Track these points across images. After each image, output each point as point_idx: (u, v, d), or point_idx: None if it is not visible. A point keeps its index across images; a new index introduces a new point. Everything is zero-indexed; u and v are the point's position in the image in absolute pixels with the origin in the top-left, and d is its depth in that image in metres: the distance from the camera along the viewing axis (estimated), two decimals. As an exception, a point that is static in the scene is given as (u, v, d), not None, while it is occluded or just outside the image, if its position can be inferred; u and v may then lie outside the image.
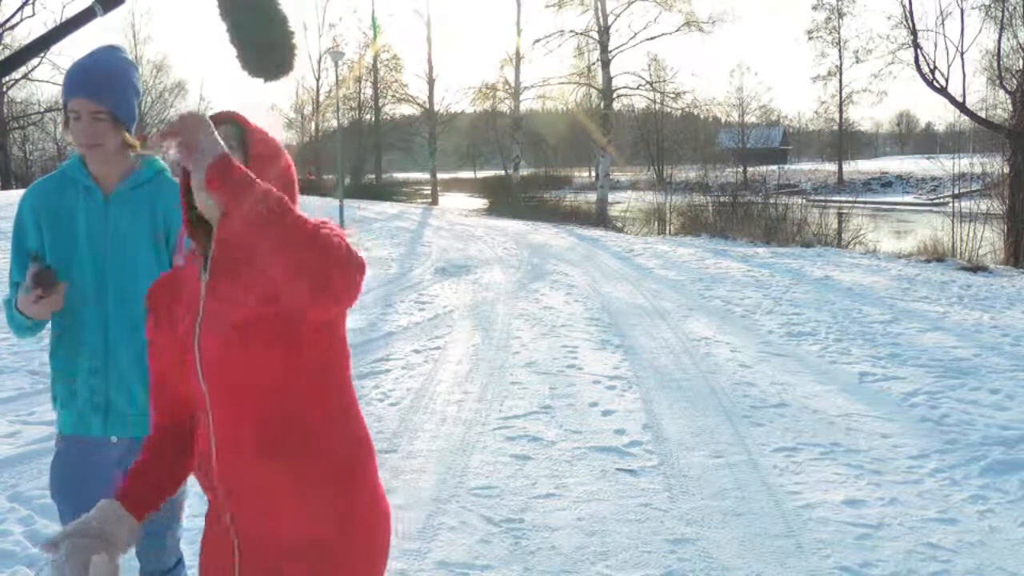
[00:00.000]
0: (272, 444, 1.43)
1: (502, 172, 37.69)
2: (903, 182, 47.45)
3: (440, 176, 40.90)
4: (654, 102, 31.42)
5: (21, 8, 34.59)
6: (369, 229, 19.82)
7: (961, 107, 18.73)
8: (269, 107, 45.70)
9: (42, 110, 39.47)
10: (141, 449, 1.57)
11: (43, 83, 39.58)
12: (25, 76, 39.02)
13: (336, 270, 1.31)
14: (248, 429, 1.43)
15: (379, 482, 1.58)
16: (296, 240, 1.28)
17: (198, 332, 1.45)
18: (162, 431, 1.58)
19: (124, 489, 1.47)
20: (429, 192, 39.44)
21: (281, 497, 1.44)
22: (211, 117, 1.44)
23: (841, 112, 49.21)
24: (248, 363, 1.41)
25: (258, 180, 1.29)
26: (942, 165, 21.82)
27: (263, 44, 1.46)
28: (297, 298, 1.35)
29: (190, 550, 3.18)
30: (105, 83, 2.00)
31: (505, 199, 30.42)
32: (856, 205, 25.15)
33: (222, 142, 1.28)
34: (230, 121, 1.46)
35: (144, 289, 1.80)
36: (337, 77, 29.77)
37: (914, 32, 19.63)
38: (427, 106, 38.76)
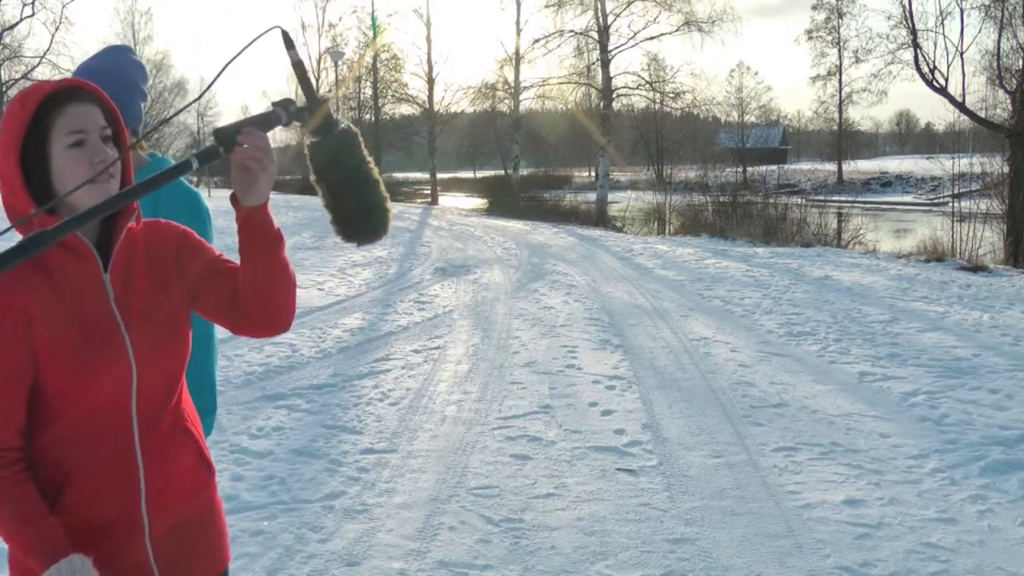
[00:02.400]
0: (180, 426, 1.53)
1: (502, 172, 37.69)
2: (903, 182, 47.48)
3: (440, 176, 40.90)
4: (654, 102, 31.38)
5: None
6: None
7: (961, 107, 18.73)
8: (267, 107, 45.64)
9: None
10: (23, 497, 1.35)
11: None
12: (25, 76, 39.04)
13: (291, 312, 1.54)
14: (166, 414, 1.49)
15: None
16: (286, 276, 1.49)
17: (125, 328, 1.42)
18: (22, 455, 1.38)
19: (64, 541, 1.35)
20: (429, 192, 39.44)
21: (184, 474, 1.52)
22: (63, 87, 1.38)
23: (841, 112, 49.26)
24: (172, 350, 1.50)
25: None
26: (942, 165, 21.82)
27: (363, 211, 1.47)
28: (256, 322, 1.52)
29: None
30: (105, 87, 2.00)
31: (505, 199, 30.44)
32: (856, 205, 25.13)
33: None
34: (95, 100, 1.41)
35: None
36: (337, 77, 29.77)
37: (914, 32, 19.64)
38: (427, 106, 38.77)
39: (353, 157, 1.44)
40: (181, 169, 1.28)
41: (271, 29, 1.33)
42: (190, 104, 1.51)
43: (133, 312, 1.45)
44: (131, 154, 2.06)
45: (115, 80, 2.01)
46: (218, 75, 1.39)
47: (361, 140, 1.45)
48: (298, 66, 1.38)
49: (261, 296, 1.48)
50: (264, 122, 1.36)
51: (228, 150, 1.33)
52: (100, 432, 1.41)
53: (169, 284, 1.50)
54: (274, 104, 1.38)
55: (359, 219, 1.46)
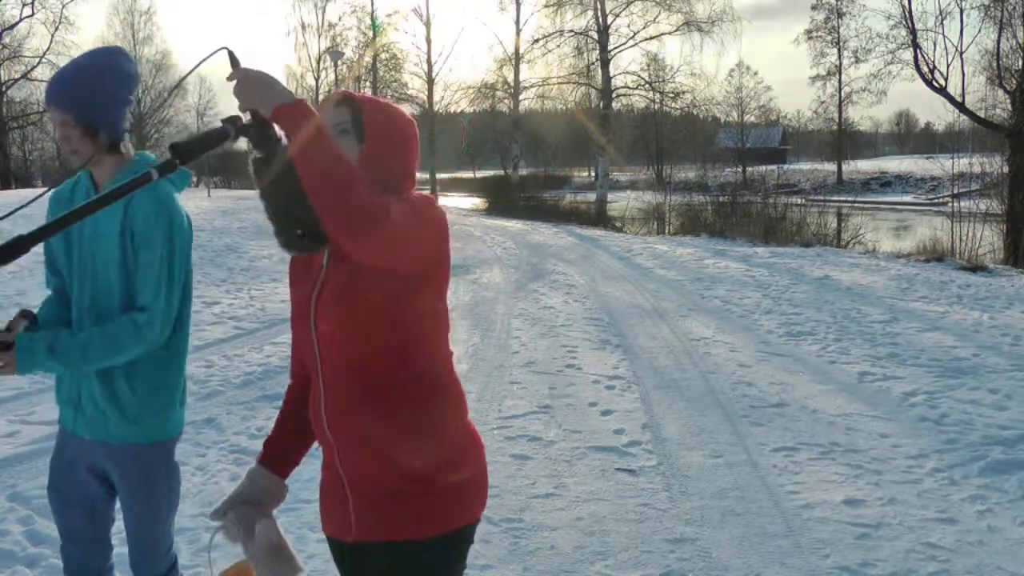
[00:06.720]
0: (370, 396, 1.57)
1: (501, 172, 37.67)
2: (902, 182, 47.47)
3: (439, 176, 40.88)
4: (653, 102, 31.38)
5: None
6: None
7: (960, 107, 18.74)
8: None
9: (41, 110, 39.40)
10: (283, 401, 1.80)
11: (42, 83, 39.52)
12: (25, 76, 39.03)
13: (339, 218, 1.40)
14: (352, 384, 1.58)
15: (468, 424, 1.82)
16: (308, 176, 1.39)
17: (315, 296, 1.60)
18: (299, 382, 1.78)
19: (265, 453, 1.73)
20: (428, 192, 39.37)
21: (377, 443, 1.59)
22: (327, 99, 1.63)
23: (840, 112, 49.25)
24: (356, 327, 1.55)
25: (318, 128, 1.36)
26: (941, 165, 21.84)
27: (306, 223, 1.55)
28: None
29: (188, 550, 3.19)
30: (69, 91, 1.98)
31: (504, 199, 30.40)
32: (855, 205, 25.12)
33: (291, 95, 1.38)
34: (345, 103, 1.60)
35: (110, 286, 2.02)
36: (336, 77, 29.73)
37: (913, 32, 19.65)
38: (426, 106, 38.74)
39: (295, 172, 1.49)
40: (143, 180, 1.35)
41: (219, 50, 1.42)
42: (144, 118, 1.57)
43: (331, 283, 1.62)
44: (109, 160, 2.07)
45: (75, 84, 1.99)
46: (170, 93, 1.47)
47: None
48: None
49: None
50: (213, 137, 1.44)
51: (184, 162, 1.41)
52: (312, 386, 1.73)
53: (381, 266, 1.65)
54: (223, 120, 1.46)
55: (300, 230, 1.56)
